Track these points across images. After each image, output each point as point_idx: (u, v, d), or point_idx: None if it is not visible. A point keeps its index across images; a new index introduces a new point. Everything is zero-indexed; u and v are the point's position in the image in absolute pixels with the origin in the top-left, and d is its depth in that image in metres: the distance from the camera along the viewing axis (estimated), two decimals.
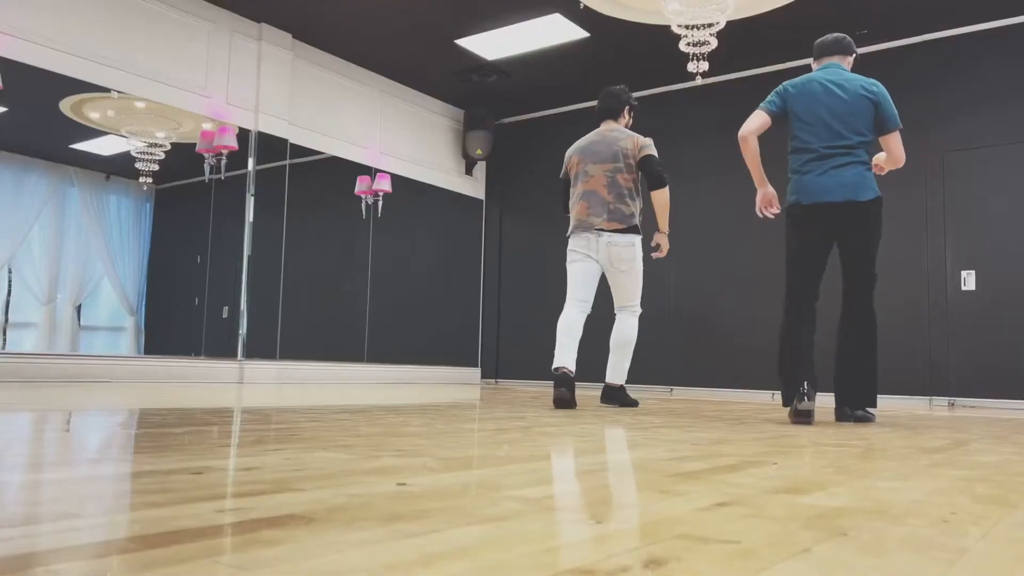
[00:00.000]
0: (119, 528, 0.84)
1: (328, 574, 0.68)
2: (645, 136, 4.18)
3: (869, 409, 3.33)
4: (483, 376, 8.65)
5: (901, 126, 3.41)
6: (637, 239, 4.07)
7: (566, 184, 4.30)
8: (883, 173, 3.57)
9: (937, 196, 6.20)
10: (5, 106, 5.65)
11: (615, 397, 4.15)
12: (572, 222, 4.17)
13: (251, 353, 6.43)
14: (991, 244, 5.96)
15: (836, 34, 3.66)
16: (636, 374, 7.32)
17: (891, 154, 3.44)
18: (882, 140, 3.42)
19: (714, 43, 5.20)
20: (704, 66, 5.25)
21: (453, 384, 7.82)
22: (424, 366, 8.00)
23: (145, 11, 5.89)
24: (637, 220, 4.08)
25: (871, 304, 3.37)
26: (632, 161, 4.07)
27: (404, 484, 1.20)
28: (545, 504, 1.07)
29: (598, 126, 4.31)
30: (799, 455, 1.86)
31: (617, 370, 4.16)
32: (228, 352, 6.42)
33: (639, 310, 4.19)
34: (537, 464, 1.54)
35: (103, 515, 0.91)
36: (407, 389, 5.83)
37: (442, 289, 8.36)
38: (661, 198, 4.06)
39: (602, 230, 4.03)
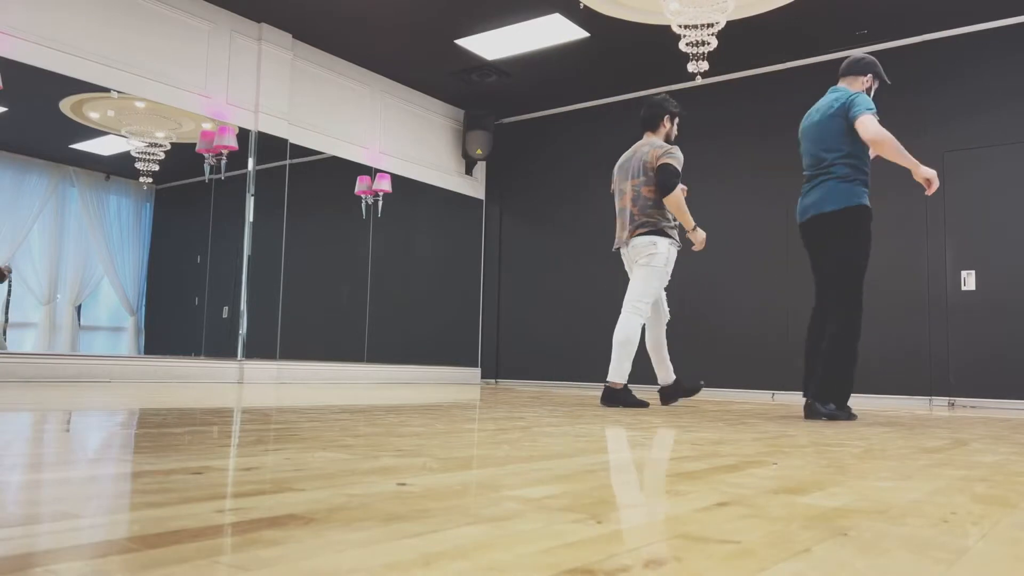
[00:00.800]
0: (119, 528, 0.84)
1: (328, 574, 0.68)
2: (674, 144, 4.29)
3: (833, 406, 3.47)
4: (483, 376, 8.65)
5: (861, 111, 3.41)
6: (660, 239, 4.08)
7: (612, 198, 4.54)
8: (931, 191, 3.51)
9: (937, 196, 6.20)
10: (5, 106, 5.65)
11: (615, 398, 4.09)
12: (616, 239, 4.37)
13: (251, 353, 6.43)
14: (991, 244, 5.96)
15: (852, 55, 3.81)
16: (636, 374, 7.32)
17: (867, 140, 3.43)
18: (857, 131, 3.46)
19: (714, 43, 5.20)
20: (704, 66, 5.25)
21: (453, 384, 7.82)
22: (424, 366, 8.00)
23: (145, 11, 5.89)
24: (662, 224, 4.11)
25: (842, 312, 3.46)
26: (652, 172, 4.13)
27: (404, 484, 1.20)
28: (545, 504, 1.07)
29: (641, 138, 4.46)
30: (799, 455, 1.86)
31: (615, 370, 4.09)
32: (228, 352, 6.42)
33: (643, 312, 4.10)
34: (537, 464, 1.54)
35: (103, 515, 0.91)
36: (407, 389, 5.82)
37: (442, 289, 8.36)
38: (671, 203, 4.10)
39: (627, 241, 4.19)
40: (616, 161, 4.48)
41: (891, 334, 6.22)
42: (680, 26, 5.19)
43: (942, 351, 6.04)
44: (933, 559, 0.81)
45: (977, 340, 5.91)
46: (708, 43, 5.22)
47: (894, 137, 3.47)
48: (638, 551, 0.80)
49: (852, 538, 0.91)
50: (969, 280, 5.99)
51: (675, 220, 4.19)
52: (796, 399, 5.98)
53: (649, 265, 4.06)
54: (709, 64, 5.49)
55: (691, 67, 5.28)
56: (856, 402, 6.05)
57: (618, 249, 4.31)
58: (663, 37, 6.23)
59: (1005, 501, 1.24)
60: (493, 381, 8.54)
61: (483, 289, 8.75)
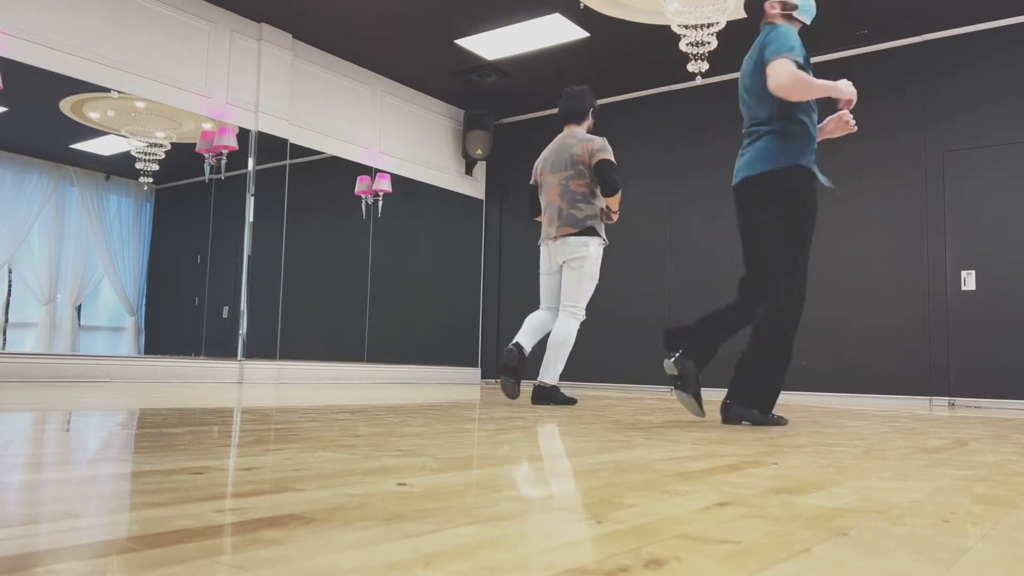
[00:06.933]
0: (119, 528, 0.84)
1: (328, 574, 0.68)
2: (600, 136, 4.17)
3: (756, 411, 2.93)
4: (483, 376, 8.65)
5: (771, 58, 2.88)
6: (592, 240, 4.05)
7: (533, 190, 4.40)
8: (849, 105, 2.99)
9: (937, 196, 6.20)
10: (5, 106, 5.65)
11: (547, 396, 4.11)
12: (542, 233, 4.30)
13: (251, 353, 6.43)
14: (991, 244, 5.95)
15: None
16: (636, 374, 7.32)
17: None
18: None
19: (714, 43, 5.20)
20: (704, 66, 5.25)
21: (453, 384, 7.82)
22: (424, 366, 8.00)
23: (145, 11, 5.89)
24: (593, 223, 4.07)
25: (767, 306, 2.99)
26: (584, 167, 4.08)
27: (404, 484, 1.20)
28: (545, 504, 1.07)
29: (562, 130, 4.32)
30: (799, 455, 1.86)
31: (549, 370, 4.10)
32: (228, 352, 6.42)
33: (581, 315, 4.12)
34: (537, 464, 1.54)
35: (103, 515, 0.91)
36: (407, 389, 5.83)
37: (442, 289, 8.36)
38: (614, 202, 4.12)
39: (556, 237, 4.13)
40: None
41: (891, 334, 6.22)
42: (680, 26, 5.20)
43: (942, 351, 6.04)
44: (933, 559, 0.81)
45: (977, 340, 5.91)
46: (708, 43, 5.22)
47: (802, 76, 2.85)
48: (638, 551, 0.80)
49: (852, 538, 0.91)
50: (969, 280, 5.99)
51: (602, 216, 4.14)
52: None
53: (582, 268, 4.05)
54: (709, 64, 5.49)
55: (691, 67, 5.28)
56: (856, 402, 6.06)
57: (541, 243, 4.28)
58: (663, 37, 6.23)
59: (1005, 501, 1.24)
60: (493, 381, 8.54)
61: (483, 289, 8.75)
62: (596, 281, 4.11)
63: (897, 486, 1.37)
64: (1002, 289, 5.86)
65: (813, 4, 3.10)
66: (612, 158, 4.05)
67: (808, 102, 2.98)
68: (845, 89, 2.96)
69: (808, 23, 3.12)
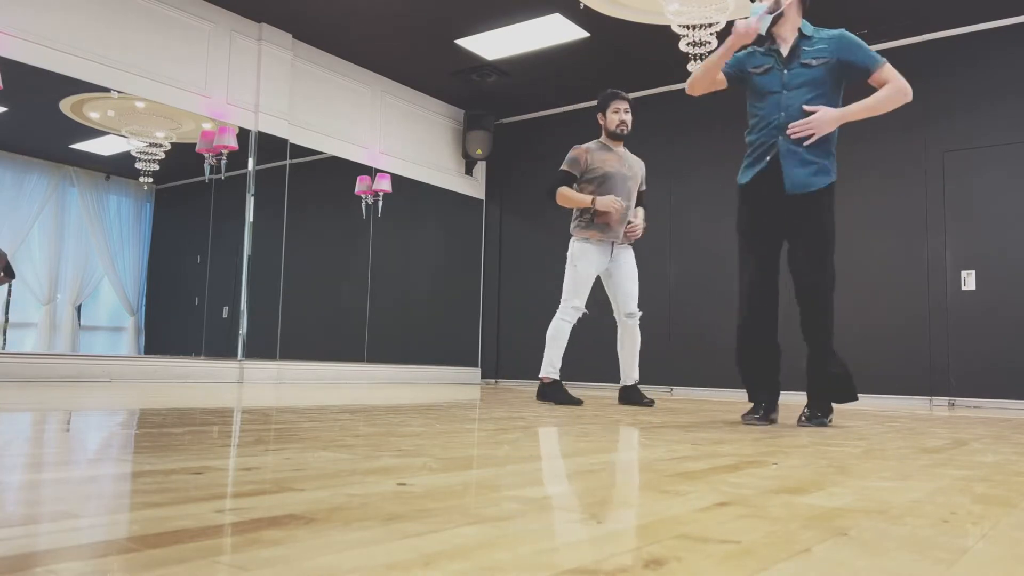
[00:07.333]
0: (119, 528, 0.84)
1: (328, 574, 0.68)
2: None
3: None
4: (483, 376, 8.65)
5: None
6: (570, 242, 4.35)
7: None
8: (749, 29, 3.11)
9: (937, 196, 6.20)
10: (5, 106, 5.65)
11: (544, 394, 4.30)
12: None
13: (251, 353, 6.43)
14: (991, 244, 5.95)
15: None
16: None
17: None
18: None
19: (714, 43, 5.20)
20: None
21: (453, 384, 7.82)
22: (424, 366, 8.00)
23: (145, 11, 5.89)
24: (571, 227, 4.36)
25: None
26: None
27: (404, 484, 1.20)
28: (545, 504, 1.07)
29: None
30: (799, 455, 1.85)
31: (543, 365, 4.35)
32: (228, 352, 6.42)
33: (567, 308, 4.29)
34: (537, 464, 1.54)
35: (103, 515, 0.91)
36: (407, 389, 5.82)
37: (442, 289, 8.36)
38: (561, 202, 4.29)
39: None
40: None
41: (891, 334, 6.22)
42: (680, 26, 5.19)
43: (942, 351, 6.04)
44: (933, 559, 0.81)
45: (977, 340, 5.90)
46: (708, 43, 5.22)
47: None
48: (638, 551, 0.80)
49: (852, 538, 0.91)
50: (969, 280, 5.99)
51: (590, 215, 4.24)
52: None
53: (567, 266, 4.32)
54: None
55: (691, 67, 5.27)
56: (856, 402, 6.04)
57: None
58: (663, 37, 6.22)
59: (1005, 501, 1.24)
60: (493, 381, 8.54)
61: (483, 289, 8.74)
62: (580, 276, 4.25)
63: (897, 486, 1.37)
64: (1002, 289, 5.86)
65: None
66: (563, 166, 4.33)
67: (753, 108, 3.37)
68: (738, 37, 3.11)
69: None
